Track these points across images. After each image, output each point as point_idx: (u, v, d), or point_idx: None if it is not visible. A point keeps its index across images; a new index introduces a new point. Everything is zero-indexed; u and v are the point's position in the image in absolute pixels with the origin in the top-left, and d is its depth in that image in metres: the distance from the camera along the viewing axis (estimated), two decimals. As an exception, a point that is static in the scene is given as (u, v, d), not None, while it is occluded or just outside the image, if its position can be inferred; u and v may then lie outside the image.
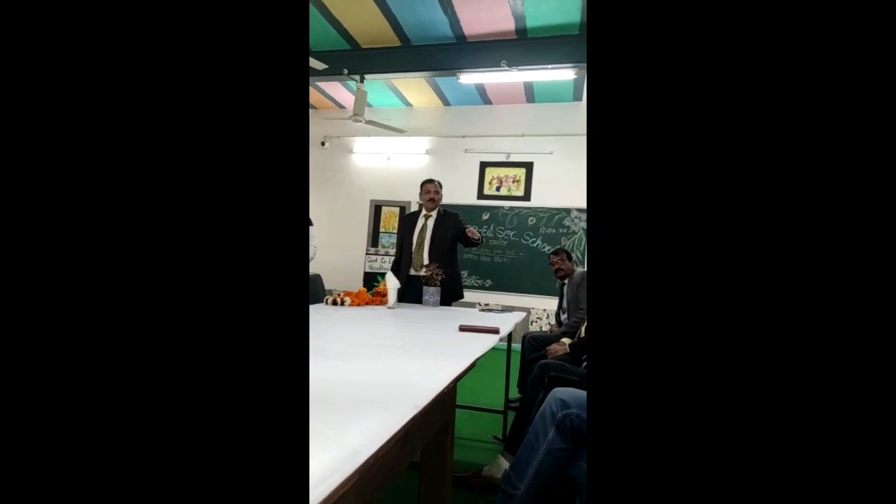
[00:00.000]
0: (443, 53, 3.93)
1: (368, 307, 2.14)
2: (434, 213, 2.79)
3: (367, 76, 4.14)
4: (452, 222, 2.75)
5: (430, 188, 2.78)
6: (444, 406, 0.95)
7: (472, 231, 2.59)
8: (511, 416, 2.24)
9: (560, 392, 1.04)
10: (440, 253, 2.68)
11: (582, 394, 1.07)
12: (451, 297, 2.65)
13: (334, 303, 2.15)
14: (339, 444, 0.46)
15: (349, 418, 0.54)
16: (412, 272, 2.74)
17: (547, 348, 2.37)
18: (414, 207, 3.41)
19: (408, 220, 2.92)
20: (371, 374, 0.78)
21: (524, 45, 3.74)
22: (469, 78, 4.00)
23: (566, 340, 2.39)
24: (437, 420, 0.92)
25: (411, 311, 2.07)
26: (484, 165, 5.16)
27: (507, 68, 3.72)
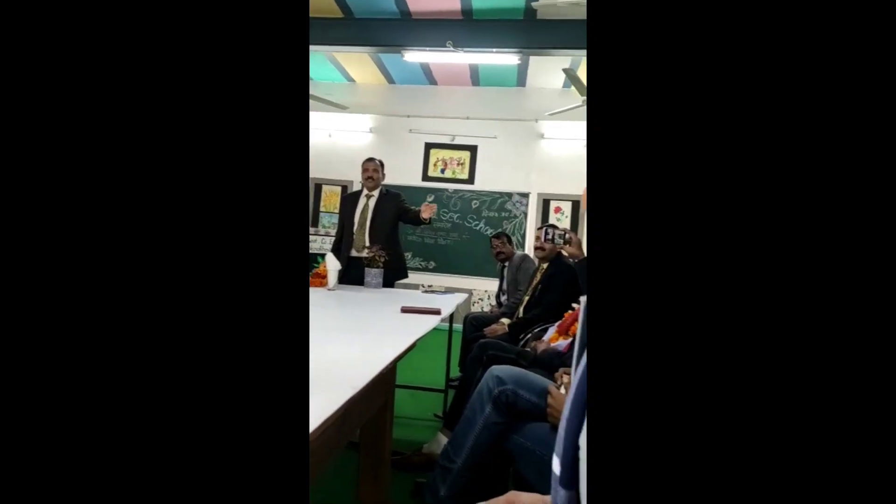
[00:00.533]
0: (387, 29, 3.82)
1: (309, 289, 2.09)
2: (376, 193, 2.75)
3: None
4: (394, 202, 2.73)
5: (368, 167, 2.73)
6: (383, 386, 0.96)
7: (430, 207, 2.56)
8: (452, 394, 2.30)
9: (497, 369, 1.09)
10: (382, 233, 2.66)
11: (518, 370, 1.12)
12: (394, 276, 2.65)
13: (272, 284, 2.07)
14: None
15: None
16: (353, 253, 2.70)
17: (486, 328, 2.44)
18: (356, 187, 3.35)
19: (349, 200, 2.86)
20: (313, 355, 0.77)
21: (470, 26, 3.73)
22: (414, 56, 3.93)
23: (505, 321, 2.47)
24: (376, 400, 0.93)
25: (352, 293, 2.05)
26: (429, 147, 5.13)
27: (452, 49, 3.69)
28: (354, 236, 2.72)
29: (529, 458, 0.96)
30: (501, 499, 0.58)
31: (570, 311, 2.08)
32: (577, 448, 0.40)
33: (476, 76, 4.85)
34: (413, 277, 4.83)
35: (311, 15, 3.81)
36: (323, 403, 0.54)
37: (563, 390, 1.04)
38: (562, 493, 0.42)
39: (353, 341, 0.94)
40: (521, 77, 4.78)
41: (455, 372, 2.68)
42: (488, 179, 5.01)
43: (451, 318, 2.23)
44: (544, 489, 0.96)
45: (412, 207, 2.73)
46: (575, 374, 0.44)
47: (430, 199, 5.06)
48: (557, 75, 4.46)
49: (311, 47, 3.95)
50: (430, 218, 2.58)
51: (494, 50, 3.72)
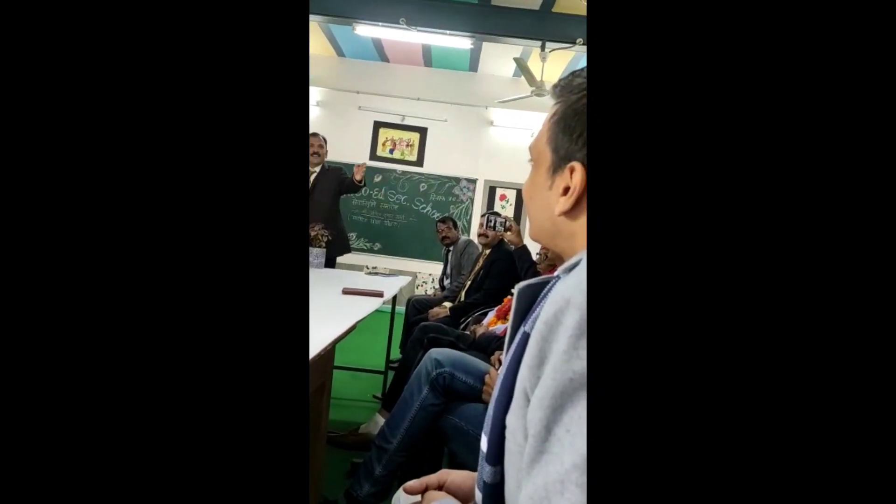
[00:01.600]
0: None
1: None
2: (317, 170, 2.68)
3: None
4: (334, 177, 2.67)
5: (312, 142, 2.65)
6: (320, 368, 0.96)
7: (360, 167, 2.52)
8: (392, 375, 2.32)
9: (435, 352, 1.11)
10: (322, 210, 2.60)
11: (456, 353, 1.15)
12: (335, 251, 2.61)
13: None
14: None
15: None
16: (295, 231, 2.62)
17: (429, 311, 2.48)
18: (301, 163, 3.27)
19: (292, 176, 2.76)
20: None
21: (425, 5, 3.66)
22: (366, 31, 3.81)
23: (447, 304, 2.51)
24: (313, 382, 0.92)
25: (293, 273, 1.99)
26: (378, 125, 5.03)
27: (405, 27, 3.61)
28: None
29: (463, 438, 1.00)
30: (433, 477, 0.61)
31: (509, 297, 2.16)
32: (503, 427, 0.43)
33: (429, 57, 4.79)
34: (357, 259, 4.77)
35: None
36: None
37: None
38: (487, 469, 0.44)
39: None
40: (473, 62, 4.78)
41: (396, 354, 2.70)
42: (437, 163, 5.01)
43: (395, 300, 2.24)
44: (475, 465, 1.01)
45: (348, 176, 2.68)
46: (505, 357, 0.47)
47: (378, 178, 4.98)
48: (509, 63, 4.50)
49: (255, 10, 3.71)
50: (363, 179, 2.55)
51: (448, 32, 3.68)
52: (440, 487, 0.61)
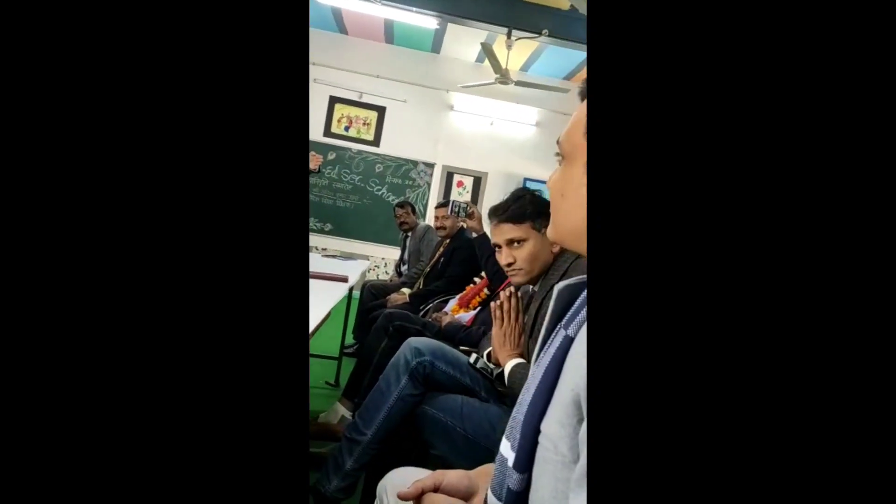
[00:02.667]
0: (299, -39, 3.42)
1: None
2: None
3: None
4: None
5: None
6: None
7: (315, 157, 2.41)
8: (346, 362, 2.25)
9: (415, 341, 1.07)
10: None
11: (436, 343, 1.11)
12: None
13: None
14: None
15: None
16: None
17: (387, 297, 2.42)
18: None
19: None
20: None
21: (391, -23, 3.50)
22: (327, -2, 3.60)
23: (406, 290, 2.47)
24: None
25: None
26: (334, 101, 4.81)
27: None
28: None
29: (441, 430, 0.98)
30: (428, 480, 0.57)
31: (471, 285, 2.15)
32: (536, 432, 0.40)
33: (391, 33, 4.62)
34: (314, 240, 4.58)
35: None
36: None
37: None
38: (514, 476, 0.42)
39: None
40: (436, 43, 4.67)
41: (349, 339, 2.63)
42: (395, 144, 4.89)
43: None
44: (454, 458, 0.99)
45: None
46: (541, 358, 0.44)
47: (332, 156, 4.79)
48: (473, 47, 4.44)
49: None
50: (318, 167, 2.44)
51: (414, 9, 3.56)
52: (436, 489, 0.57)
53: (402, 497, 0.57)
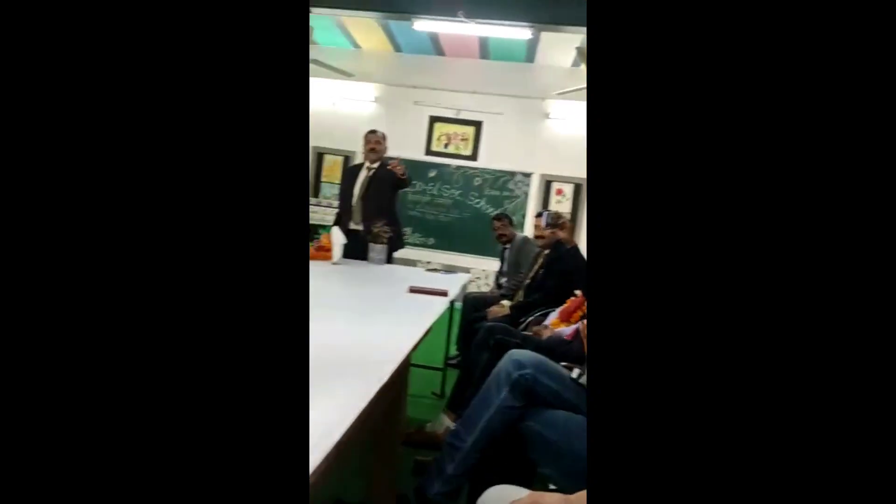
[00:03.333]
0: (398, -5, 3.68)
1: (312, 262, 2.07)
2: (376, 166, 2.72)
3: (313, 10, 3.80)
4: (391, 173, 2.71)
5: (371, 139, 2.71)
6: (400, 372, 0.96)
7: (397, 166, 2.53)
8: (450, 373, 2.32)
9: (517, 353, 1.09)
10: (379, 205, 2.64)
11: (539, 356, 1.12)
12: (392, 247, 2.65)
13: (275, 256, 2.05)
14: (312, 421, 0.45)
15: (319, 390, 0.53)
16: (352, 226, 2.69)
17: (487, 310, 2.45)
18: (359, 158, 3.31)
19: (351, 172, 2.84)
20: (330, 339, 0.76)
21: (483, -4, 3.59)
22: (424, 25, 3.80)
23: (505, 303, 2.48)
24: (394, 385, 0.93)
25: (357, 269, 2.03)
26: (433, 120, 5.03)
27: (463, 20, 3.57)
28: (353, 209, 2.70)
29: (544, 446, 0.97)
30: (524, 500, 0.58)
31: (572, 298, 2.09)
32: None
33: (485, 49, 4.72)
34: (412, 254, 4.82)
35: (319, -24, 3.67)
36: (353, 395, 0.53)
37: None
38: None
39: (371, 323, 0.93)
40: (530, 52, 4.66)
41: (452, 350, 2.70)
42: (492, 157, 4.95)
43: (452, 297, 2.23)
44: (561, 477, 0.98)
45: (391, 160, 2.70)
46: None
47: (433, 174, 5.00)
48: (568, 53, 4.35)
49: (317, 10, 3.81)
50: (404, 174, 2.55)
51: (507, 23, 3.60)
52: None
53: None
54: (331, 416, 0.47)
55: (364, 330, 0.86)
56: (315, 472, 0.40)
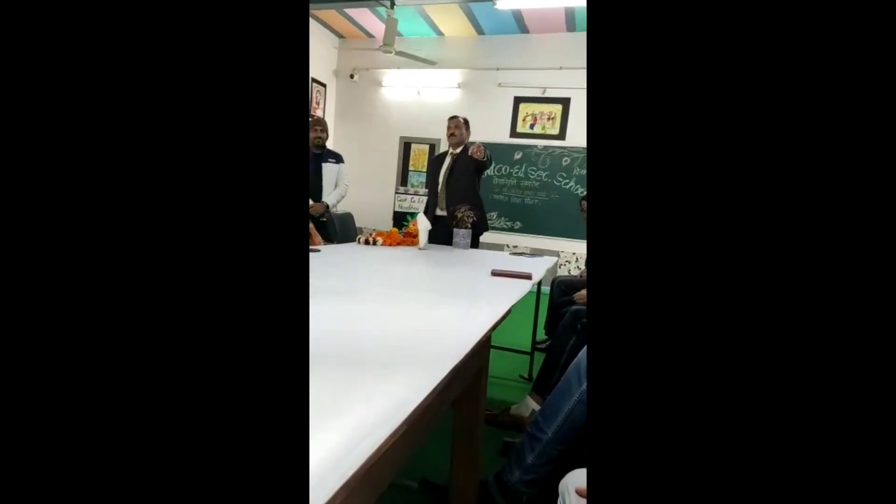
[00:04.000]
0: (479, -25, 3.62)
1: (400, 247, 2.15)
2: (458, 151, 2.74)
3: (397, 1, 3.89)
4: (471, 156, 2.70)
5: (450, 124, 2.74)
6: (479, 352, 0.96)
7: (478, 148, 2.51)
8: (538, 356, 2.28)
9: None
10: (462, 189, 2.65)
11: None
12: (476, 231, 2.65)
13: (367, 242, 2.17)
14: (386, 393, 0.46)
15: (394, 368, 0.55)
16: (438, 212, 2.74)
17: (575, 294, 2.36)
18: (444, 145, 3.36)
19: (437, 160, 2.90)
20: (410, 320, 0.78)
21: (569, -36, 3.39)
22: (507, 3, 3.70)
23: (597, 286, 2.36)
24: (473, 366, 0.93)
25: (442, 253, 2.07)
26: (518, 101, 4.91)
27: (548, -8, 3.40)
28: (439, 195, 2.75)
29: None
30: None
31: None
32: None
33: (572, 20, 4.47)
34: (498, 238, 4.80)
35: (401, -34, 3.73)
36: (428, 372, 0.54)
37: None
38: None
39: (451, 304, 0.95)
40: (623, 19, 4.31)
41: (541, 334, 2.66)
42: (581, 135, 4.71)
43: (539, 280, 2.19)
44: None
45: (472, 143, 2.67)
46: None
47: (518, 156, 4.90)
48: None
49: (402, 1, 3.89)
50: (484, 154, 2.51)
51: (596, -11, 3.36)
52: None
53: (579, 492, 0.57)
54: (403, 392, 0.48)
55: (442, 311, 0.88)
56: (385, 445, 0.41)
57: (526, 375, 2.36)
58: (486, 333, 0.75)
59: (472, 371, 0.94)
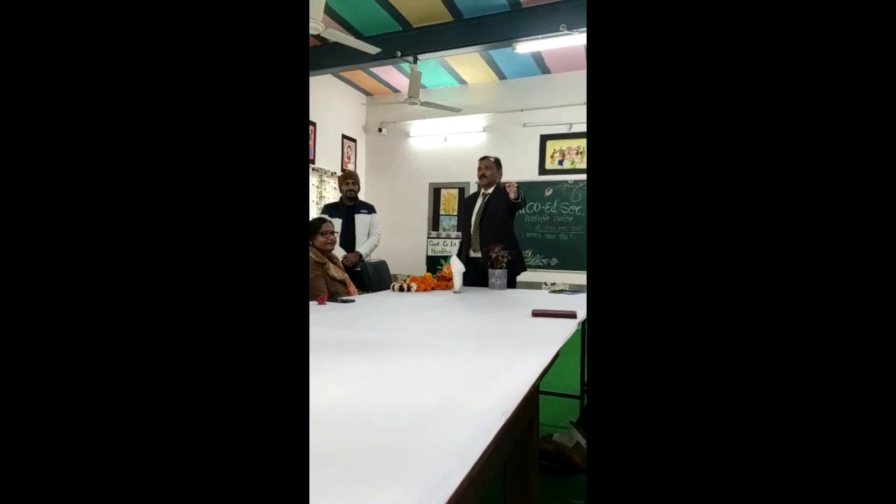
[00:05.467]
0: (497, 24, 3.75)
1: (435, 292, 2.11)
2: (490, 191, 2.72)
3: (420, 56, 4.06)
4: (504, 195, 2.68)
5: (481, 165, 2.74)
6: (529, 403, 0.88)
7: (511, 186, 2.47)
8: (588, 399, 2.13)
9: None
10: (496, 228, 2.61)
11: None
12: (513, 271, 2.58)
13: (401, 289, 2.14)
14: (426, 465, 0.40)
15: (434, 430, 0.49)
16: (472, 253, 2.70)
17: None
18: (473, 188, 3.37)
19: (468, 201, 2.89)
20: (449, 370, 0.72)
21: (583, 4, 3.47)
22: (526, 47, 3.80)
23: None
24: (523, 419, 0.85)
25: (478, 296, 2.01)
26: (545, 139, 4.93)
27: (567, 32, 3.47)
28: (472, 236, 2.72)
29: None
30: None
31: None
32: None
33: (592, 58, 4.53)
34: (535, 276, 4.69)
35: (422, 24, 3.93)
36: (473, 435, 0.48)
37: None
38: None
39: (491, 351, 0.88)
40: (644, 51, 4.33)
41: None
42: (612, 167, 4.64)
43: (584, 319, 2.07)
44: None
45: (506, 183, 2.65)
46: None
47: (549, 192, 4.86)
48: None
49: (425, 55, 4.06)
50: (518, 195, 2.48)
51: (613, 25, 3.40)
52: None
53: None
54: (448, 461, 0.42)
55: (483, 360, 0.81)
56: (470, 474, 0.38)
57: (576, 421, 2.19)
58: (535, 383, 0.68)
59: (520, 425, 0.85)
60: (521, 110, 5.01)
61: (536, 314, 1.41)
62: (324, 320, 1.24)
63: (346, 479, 0.37)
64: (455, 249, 2.98)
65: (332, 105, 5.16)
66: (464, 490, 0.38)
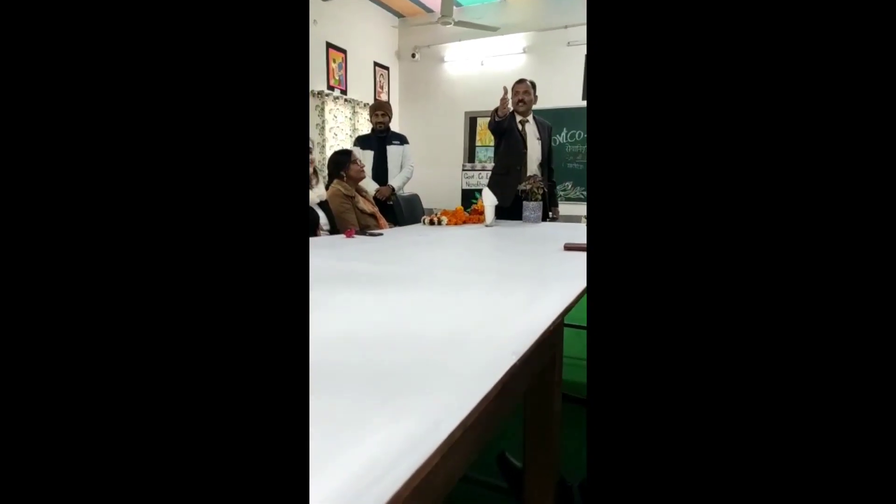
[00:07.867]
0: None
1: (466, 226, 2.05)
2: (530, 119, 2.54)
3: (453, -32, 3.70)
4: (544, 126, 2.53)
5: (519, 89, 2.52)
6: (549, 342, 0.84)
7: (505, 101, 2.33)
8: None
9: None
10: (533, 160, 2.49)
11: None
12: (547, 204, 2.49)
13: (431, 223, 2.10)
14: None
15: (437, 367, 0.45)
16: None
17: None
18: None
19: (507, 128, 2.72)
20: (465, 308, 0.68)
21: None
22: (572, -50, 3.36)
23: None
24: (541, 359, 0.81)
25: (510, 230, 1.94)
26: (590, 59, 4.53)
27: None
28: (531, 171, 2.60)
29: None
30: None
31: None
32: None
33: None
34: (574, 209, 4.52)
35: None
36: (478, 376, 0.44)
37: None
38: None
39: (513, 288, 0.83)
40: None
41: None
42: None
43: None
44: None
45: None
46: None
47: (593, 120, 4.55)
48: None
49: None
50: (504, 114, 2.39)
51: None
52: None
53: None
54: (450, 398, 0.39)
55: (505, 298, 0.76)
56: (464, 423, 0.37)
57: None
58: (554, 322, 0.62)
59: (538, 366, 0.81)
60: (566, 27, 4.56)
61: (569, 248, 1.34)
62: (345, 254, 1.22)
63: (330, 420, 0.34)
64: (486, 181, 2.86)
65: (362, 30, 4.88)
66: (455, 439, 0.35)
